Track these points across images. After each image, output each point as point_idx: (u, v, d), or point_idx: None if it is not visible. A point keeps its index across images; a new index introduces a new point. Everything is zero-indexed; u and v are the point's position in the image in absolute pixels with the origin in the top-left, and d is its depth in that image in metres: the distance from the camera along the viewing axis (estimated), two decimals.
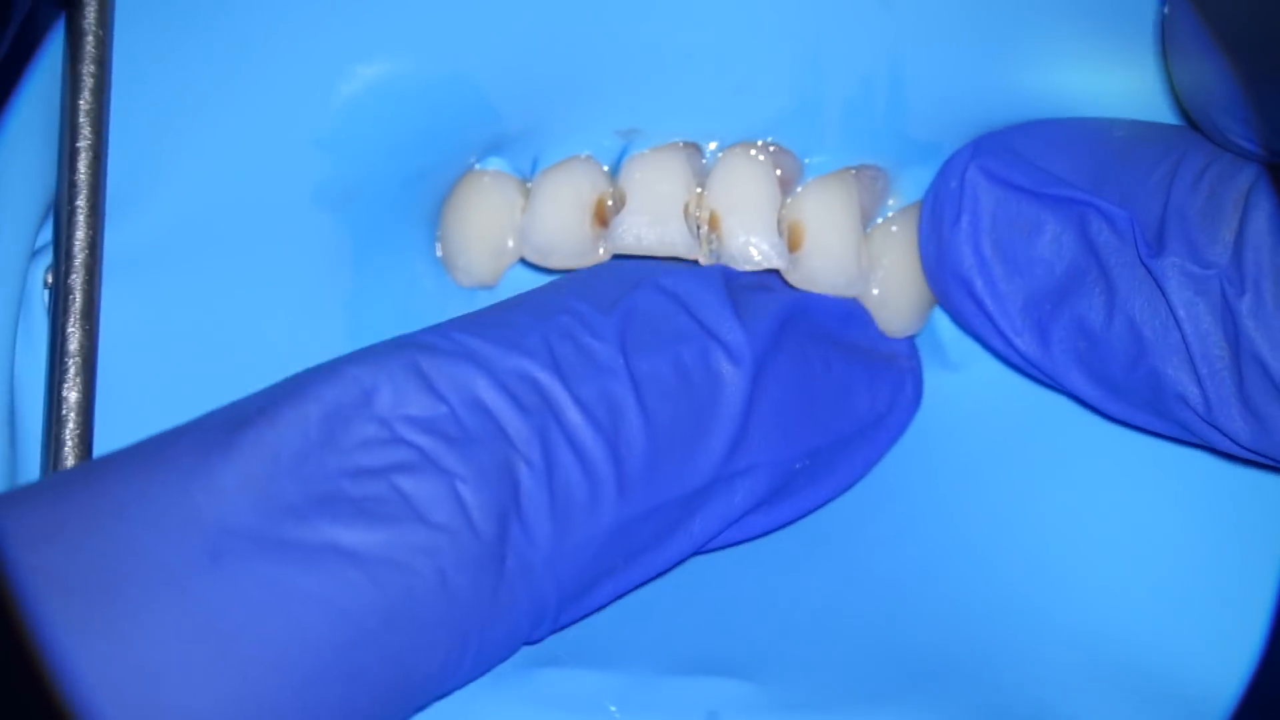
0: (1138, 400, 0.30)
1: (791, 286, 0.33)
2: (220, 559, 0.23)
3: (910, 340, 0.35)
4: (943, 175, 0.32)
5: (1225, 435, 0.28)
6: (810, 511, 0.33)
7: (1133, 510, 0.33)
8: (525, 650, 0.29)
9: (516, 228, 0.34)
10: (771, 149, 0.33)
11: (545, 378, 0.28)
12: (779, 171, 0.33)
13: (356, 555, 0.24)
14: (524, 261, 0.34)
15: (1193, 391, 0.28)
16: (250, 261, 0.31)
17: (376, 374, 0.26)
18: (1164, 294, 0.28)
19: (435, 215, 0.34)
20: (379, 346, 0.27)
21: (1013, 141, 0.31)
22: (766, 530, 0.32)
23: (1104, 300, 0.30)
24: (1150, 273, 0.28)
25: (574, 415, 0.28)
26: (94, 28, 0.27)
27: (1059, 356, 0.31)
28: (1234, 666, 0.30)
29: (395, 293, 0.33)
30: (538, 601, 0.27)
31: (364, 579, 0.24)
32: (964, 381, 0.35)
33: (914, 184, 0.33)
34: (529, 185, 0.34)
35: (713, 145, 0.33)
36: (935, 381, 0.35)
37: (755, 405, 0.31)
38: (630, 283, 0.31)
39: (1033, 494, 0.34)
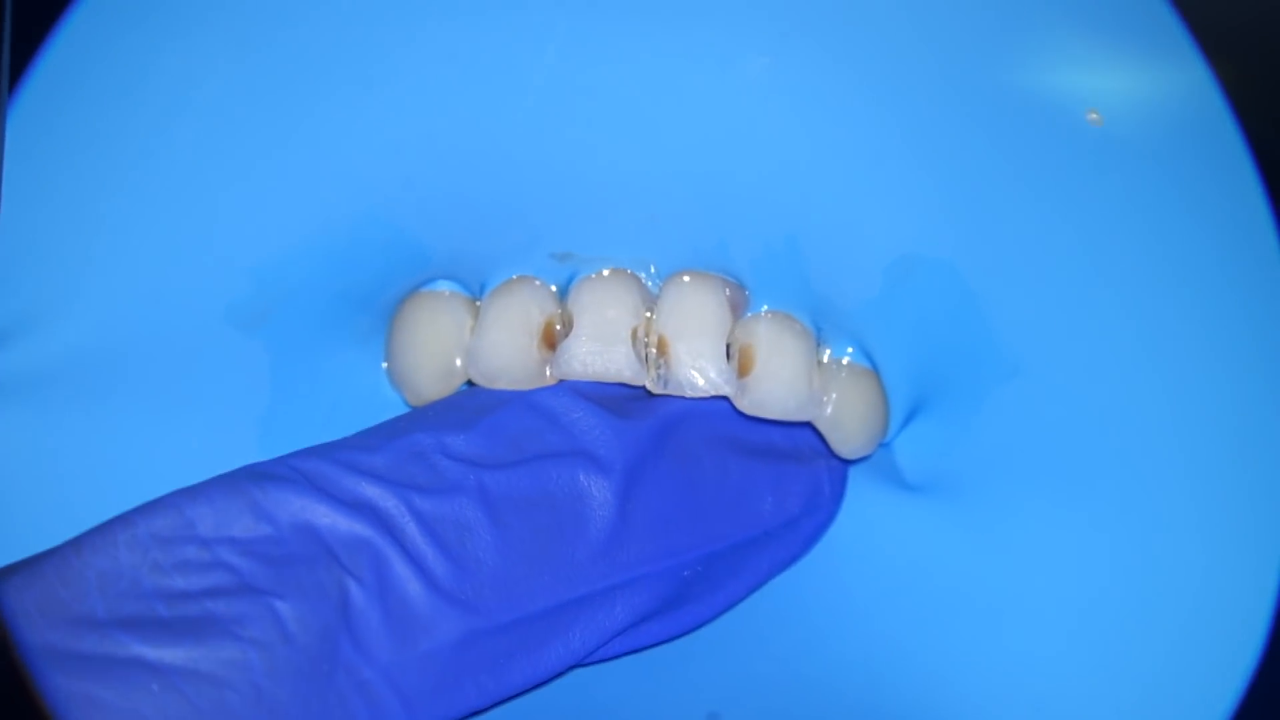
0: None
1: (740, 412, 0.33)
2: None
3: None
4: None
5: None
6: (715, 616, 0.33)
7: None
8: None
9: (465, 348, 0.33)
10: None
11: (384, 496, 0.29)
12: (728, 292, 0.33)
13: (161, 668, 0.25)
14: (471, 384, 0.34)
15: None
16: (152, 383, 0.31)
17: (198, 500, 0.27)
18: None
19: (373, 332, 0.34)
20: (215, 478, 0.28)
21: None
22: (670, 636, 0.32)
23: None
24: None
25: (414, 532, 0.29)
26: None
27: None
28: None
29: (320, 411, 0.33)
30: (379, 713, 0.28)
31: (169, 691, 0.25)
32: (918, 503, 0.34)
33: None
34: (478, 305, 0.33)
35: (652, 270, 0.33)
36: (886, 498, 0.34)
37: (630, 516, 0.31)
38: (500, 400, 0.32)
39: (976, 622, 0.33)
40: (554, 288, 0.33)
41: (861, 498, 0.35)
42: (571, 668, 0.31)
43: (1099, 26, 0.29)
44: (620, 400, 0.33)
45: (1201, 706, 0.30)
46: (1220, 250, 0.29)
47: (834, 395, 0.33)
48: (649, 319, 0.33)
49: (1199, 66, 0.29)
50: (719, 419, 0.34)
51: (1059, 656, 0.31)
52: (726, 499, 0.33)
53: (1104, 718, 0.31)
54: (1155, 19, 0.29)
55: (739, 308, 0.33)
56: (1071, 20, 0.29)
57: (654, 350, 0.33)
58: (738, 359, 0.33)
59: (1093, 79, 0.29)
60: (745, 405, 0.33)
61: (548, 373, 0.33)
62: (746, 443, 0.34)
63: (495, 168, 0.31)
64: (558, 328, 0.33)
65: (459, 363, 0.34)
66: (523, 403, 0.32)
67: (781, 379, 0.32)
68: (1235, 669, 0.30)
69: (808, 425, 0.34)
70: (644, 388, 0.33)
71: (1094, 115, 0.29)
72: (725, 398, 0.33)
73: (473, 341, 0.33)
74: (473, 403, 0.32)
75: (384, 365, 0.35)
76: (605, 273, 0.33)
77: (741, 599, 0.34)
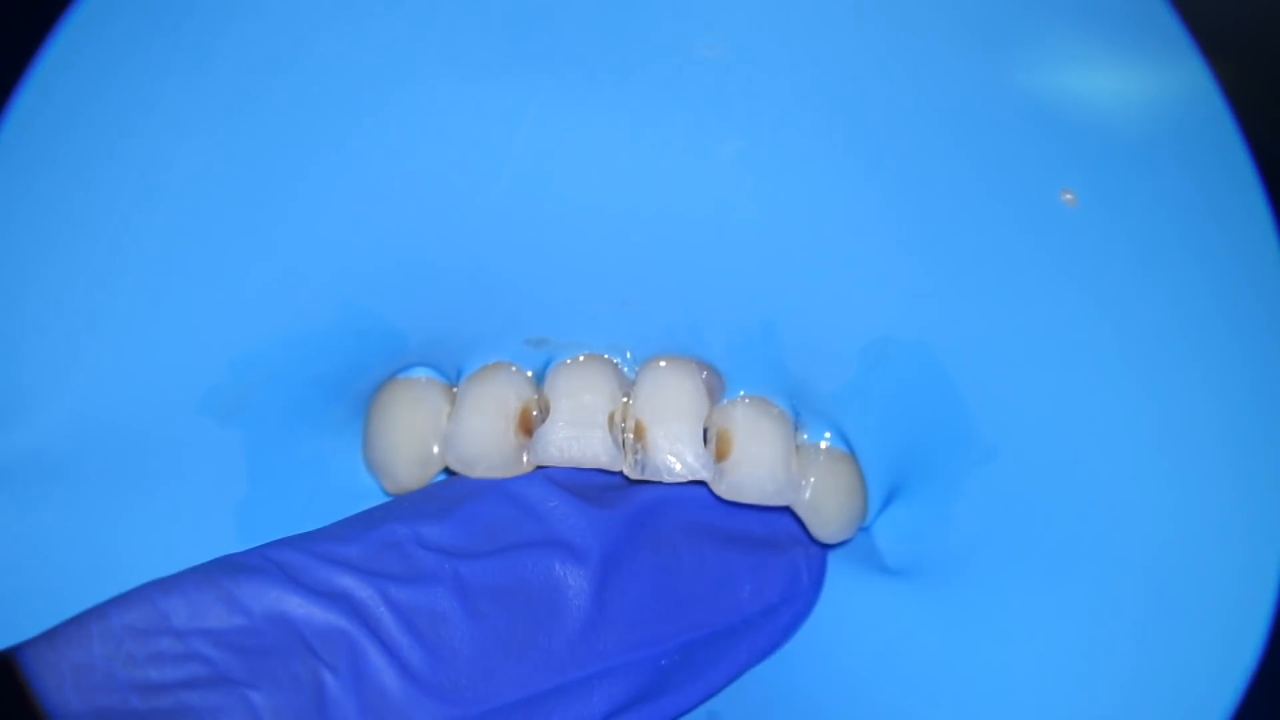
0: None
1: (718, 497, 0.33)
2: None
3: None
4: None
5: None
6: (695, 706, 0.33)
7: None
8: None
9: (442, 434, 0.33)
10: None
11: (360, 586, 0.29)
12: (704, 376, 0.33)
13: None
14: (449, 471, 0.34)
15: None
16: (128, 473, 0.31)
17: (171, 592, 0.27)
18: None
19: (350, 419, 0.34)
20: (188, 569, 0.28)
21: None
22: None
23: None
24: None
25: (389, 622, 0.29)
26: None
27: None
28: None
29: (298, 499, 0.33)
30: None
31: None
32: (899, 587, 0.34)
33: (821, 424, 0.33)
34: (455, 391, 0.33)
35: (628, 355, 0.33)
36: (866, 583, 0.34)
37: (606, 605, 0.31)
38: (476, 489, 0.32)
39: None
40: (530, 373, 0.33)
41: (842, 583, 0.35)
42: None
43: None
44: (596, 489, 0.33)
45: None
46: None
47: (812, 479, 0.33)
48: (626, 404, 0.33)
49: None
50: (695, 506, 0.33)
51: None
52: (704, 588, 0.33)
53: None
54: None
55: (715, 392, 0.33)
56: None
57: (631, 435, 0.32)
58: (715, 443, 0.33)
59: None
60: (723, 490, 0.32)
61: (525, 459, 0.33)
62: (724, 530, 0.34)
63: (469, 254, 0.31)
64: (535, 413, 0.33)
65: (436, 449, 0.33)
66: (498, 492, 0.32)
67: (760, 463, 0.32)
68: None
69: (786, 511, 0.34)
70: (621, 473, 0.33)
71: (1068, 196, 0.29)
72: (703, 483, 0.33)
73: (450, 428, 0.33)
74: (449, 492, 0.32)
75: (362, 453, 0.34)
76: (581, 358, 0.33)
77: (721, 688, 0.33)
